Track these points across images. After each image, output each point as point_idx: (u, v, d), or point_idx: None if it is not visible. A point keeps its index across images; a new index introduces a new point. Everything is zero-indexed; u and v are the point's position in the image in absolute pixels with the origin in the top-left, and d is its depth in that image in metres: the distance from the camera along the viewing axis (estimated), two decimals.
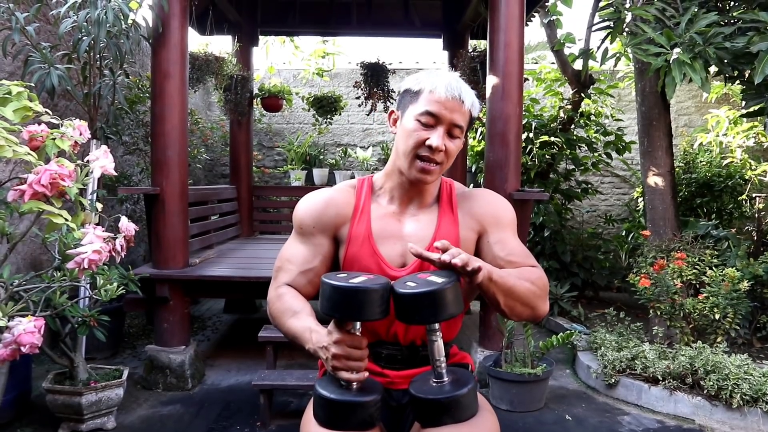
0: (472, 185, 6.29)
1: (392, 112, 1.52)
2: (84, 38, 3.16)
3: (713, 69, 3.83)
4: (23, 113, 1.83)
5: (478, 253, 1.50)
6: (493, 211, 1.52)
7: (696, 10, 3.51)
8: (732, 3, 3.93)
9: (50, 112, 1.96)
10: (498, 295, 1.30)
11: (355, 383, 1.27)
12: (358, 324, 1.26)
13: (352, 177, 6.81)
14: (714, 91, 6.65)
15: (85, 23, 3.10)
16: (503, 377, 3.31)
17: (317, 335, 1.31)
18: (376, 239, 1.47)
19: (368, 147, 7.48)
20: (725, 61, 3.49)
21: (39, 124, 1.90)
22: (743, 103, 3.87)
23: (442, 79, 1.42)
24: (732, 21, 3.69)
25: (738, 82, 3.94)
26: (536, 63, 7.71)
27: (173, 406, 3.32)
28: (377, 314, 1.22)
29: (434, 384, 1.28)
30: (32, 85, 2.63)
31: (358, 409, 1.25)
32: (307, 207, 1.53)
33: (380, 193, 1.54)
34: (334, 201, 1.52)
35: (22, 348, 1.81)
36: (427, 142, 1.39)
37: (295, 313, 1.42)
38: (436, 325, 1.25)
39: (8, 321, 1.82)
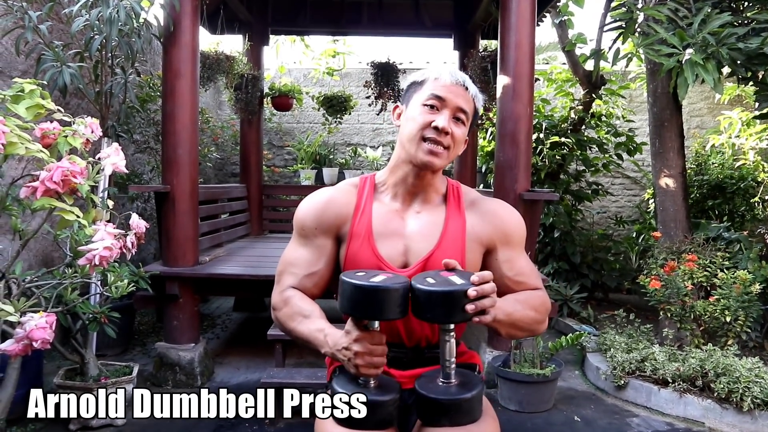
0: (482, 185, 6.27)
1: (397, 106, 1.54)
2: (96, 37, 3.18)
3: (726, 70, 3.80)
4: (36, 111, 1.85)
5: (484, 267, 1.50)
6: (504, 228, 1.50)
7: (709, 10, 3.49)
8: (746, 3, 3.89)
9: (62, 110, 1.98)
10: (500, 329, 1.32)
11: (372, 382, 1.27)
12: (377, 323, 1.26)
13: None
14: (727, 92, 6.60)
15: (97, 22, 3.12)
16: (512, 378, 3.30)
17: (332, 338, 1.30)
18: (377, 238, 1.44)
19: (378, 147, 7.48)
20: (738, 62, 3.46)
21: (51, 121, 1.92)
22: (756, 104, 3.84)
23: (446, 68, 1.47)
24: (746, 21, 3.66)
25: (751, 83, 3.91)
26: (547, 63, 7.68)
27: None
28: (397, 313, 1.22)
29: (441, 384, 1.28)
30: (45, 83, 2.65)
31: (377, 408, 1.25)
32: (307, 208, 1.52)
33: (383, 190, 1.52)
34: (335, 201, 1.51)
35: (33, 343, 1.83)
36: (433, 124, 1.39)
37: (305, 317, 1.40)
38: (451, 326, 1.24)
39: (20, 317, 1.83)
